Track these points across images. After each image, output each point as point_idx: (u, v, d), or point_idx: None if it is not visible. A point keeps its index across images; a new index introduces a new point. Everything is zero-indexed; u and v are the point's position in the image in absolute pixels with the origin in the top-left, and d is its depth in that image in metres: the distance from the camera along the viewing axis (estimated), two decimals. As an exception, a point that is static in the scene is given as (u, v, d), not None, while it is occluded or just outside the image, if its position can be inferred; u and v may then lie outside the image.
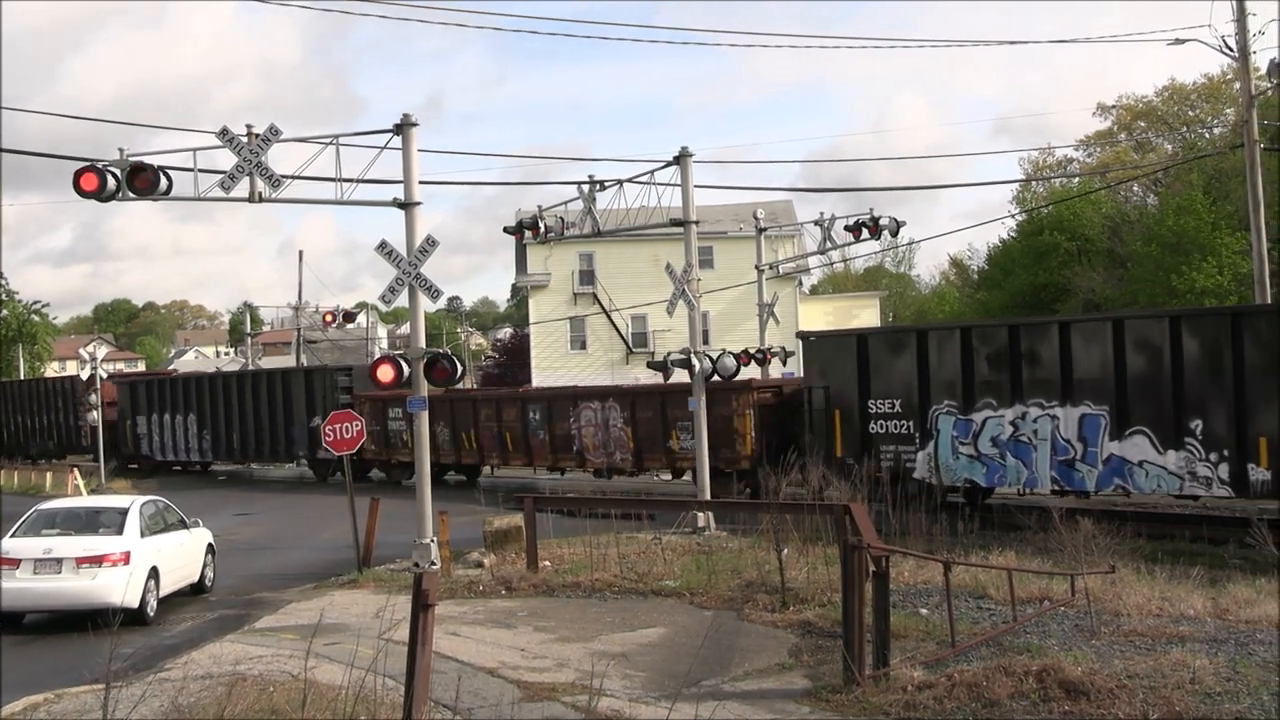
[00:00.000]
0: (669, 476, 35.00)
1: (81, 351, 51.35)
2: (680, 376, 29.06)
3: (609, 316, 63.58)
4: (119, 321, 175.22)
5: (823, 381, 28.82)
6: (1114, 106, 66.59)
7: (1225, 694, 12.36)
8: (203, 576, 22.41)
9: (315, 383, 44.75)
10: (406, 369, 20.42)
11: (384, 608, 17.49)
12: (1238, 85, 42.55)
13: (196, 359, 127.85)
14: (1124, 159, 64.22)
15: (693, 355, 27.04)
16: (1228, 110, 59.81)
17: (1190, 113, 63.70)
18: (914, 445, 26.90)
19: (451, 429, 38.71)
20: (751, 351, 33.65)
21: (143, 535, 19.85)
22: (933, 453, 26.58)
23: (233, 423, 47.57)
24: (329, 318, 57.09)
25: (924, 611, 17.13)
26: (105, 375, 57.51)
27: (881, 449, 27.40)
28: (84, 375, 51.59)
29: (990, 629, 15.95)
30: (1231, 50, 32.00)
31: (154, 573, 19.77)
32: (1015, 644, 14.97)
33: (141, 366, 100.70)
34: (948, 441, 26.36)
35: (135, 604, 19.00)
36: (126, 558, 19.08)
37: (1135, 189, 65.22)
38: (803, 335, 30.95)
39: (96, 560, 18.84)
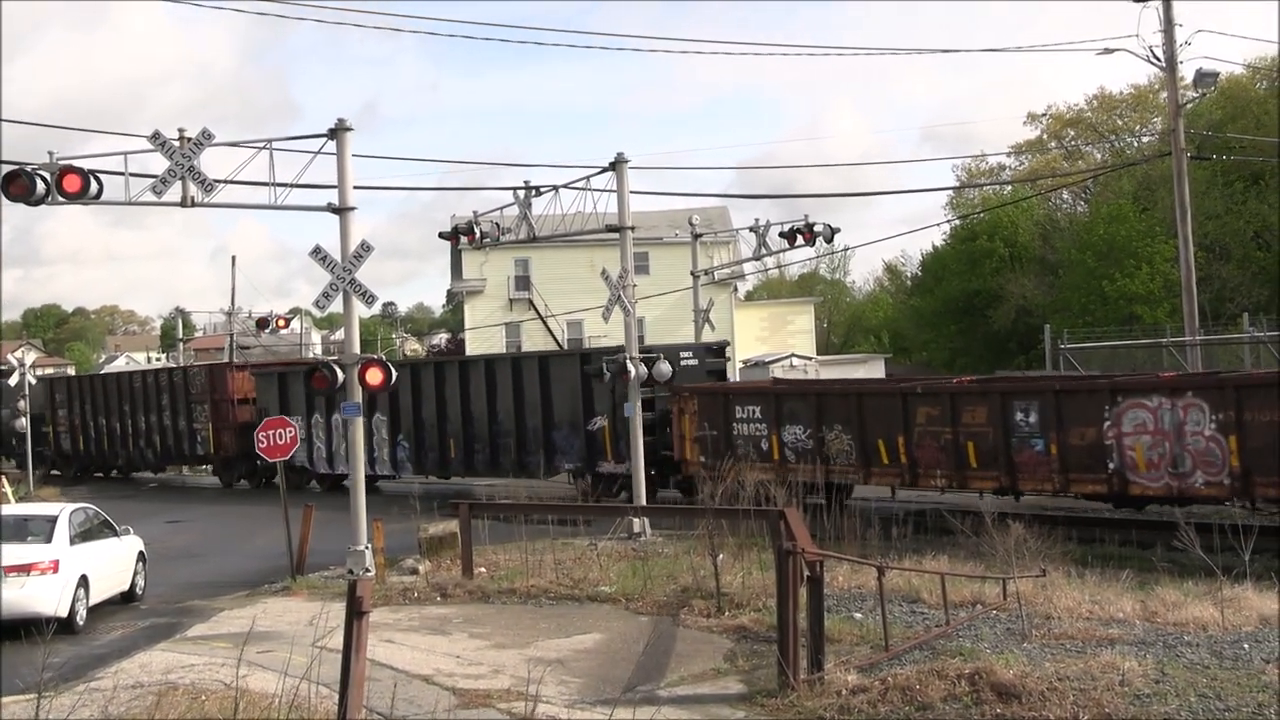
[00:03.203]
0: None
1: (10, 357, 50.53)
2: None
3: (545, 322, 63.50)
4: (48, 327, 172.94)
5: None
6: (1044, 115, 67.49)
7: (1154, 696, 12.53)
8: (133, 585, 22.14)
9: (592, 368, 32.35)
10: (340, 374, 20.33)
11: (318, 615, 17.40)
12: (1165, 95, 43.26)
13: (127, 364, 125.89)
14: (1054, 166, 65.08)
15: (628, 360, 27.06)
16: (1155, 119, 60.79)
17: (1118, 121, 64.68)
18: None
19: (858, 435, 26.58)
20: (687, 357, 33.72)
21: (72, 543, 19.58)
22: None
23: (450, 426, 36.05)
24: (263, 323, 56.76)
25: (858, 616, 17.24)
26: (241, 363, 49.26)
27: None
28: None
29: (923, 633, 16.08)
30: (1159, 60, 32.51)
31: (84, 581, 19.51)
32: (948, 647, 15.10)
33: (71, 372, 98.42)
34: None
35: (64, 613, 18.74)
36: (55, 566, 18.81)
37: (1065, 196, 66.15)
38: None
39: (24, 569, 18.54)
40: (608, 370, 27.77)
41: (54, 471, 51.03)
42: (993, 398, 25.12)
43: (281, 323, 57.72)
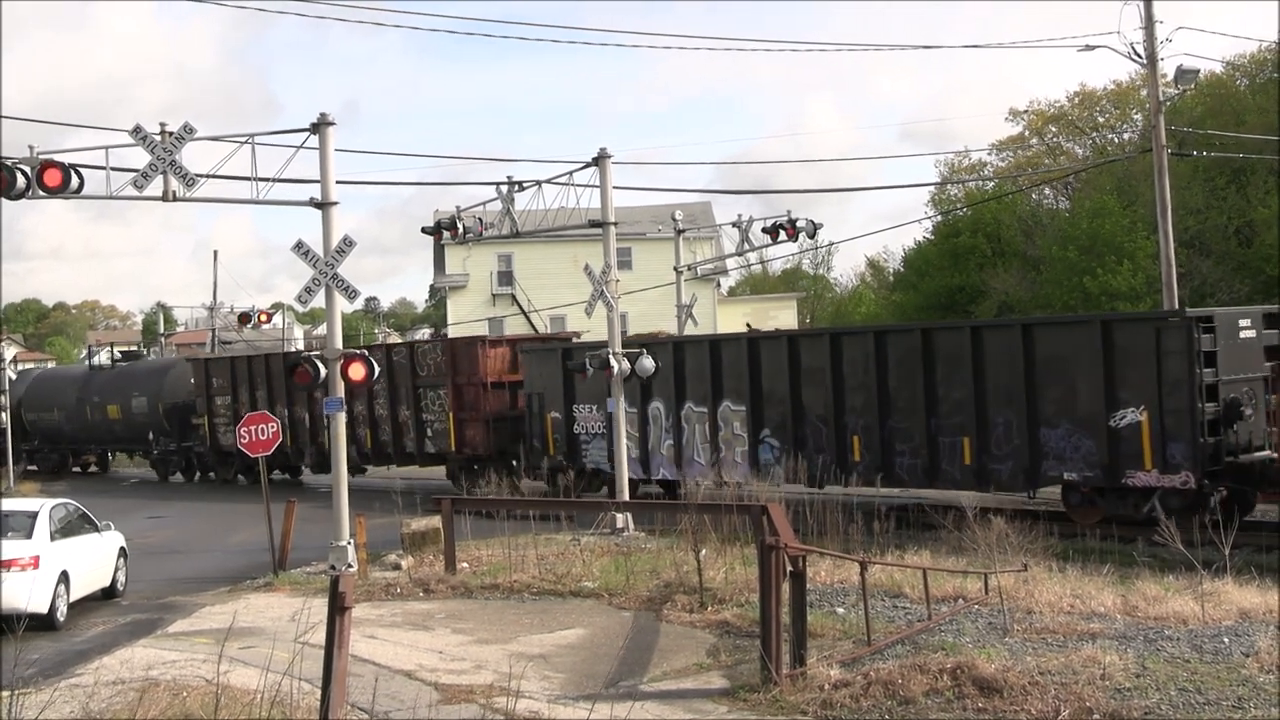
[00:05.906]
0: None
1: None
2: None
3: (528, 317, 63.44)
4: (28, 322, 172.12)
5: None
6: (1026, 111, 67.56)
7: (1135, 689, 12.58)
8: (114, 580, 22.07)
9: (1120, 340, 23.49)
10: (323, 370, 20.26)
11: (300, 611, 17.38)
12: (1145, 91, 43.36)
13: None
14: (1036, 163, 65.18)
15: (611, 356, 27.02)
16: (1136, 115, 60.94)
17: (1100, 118, 64.81)
18: None
19: None
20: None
21: (53, 539, 19.52)
22: None
23: (852, 418, 27.01)
24: (244, 318, 56.52)
25: (840, 611, 17.27)
26: (498, 337, 39.51)
27: None
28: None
29: (906, 627, 16.11)
30: (1140, 57, 32.57)
31: (64, 577, 19.45)
32: (930, 642, 15.13)
33: (52, 366, 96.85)
34: None
35: (44, 609, 18.67)
36: (36, 562, 18.76)
37: (1047, 192, 66.26)
38: None
39: (4, 565, 18.46)
40: (590, 365, 27.68)
41: (206, 472, 44.83)
42: None
43: (264, 318, 57.43)
